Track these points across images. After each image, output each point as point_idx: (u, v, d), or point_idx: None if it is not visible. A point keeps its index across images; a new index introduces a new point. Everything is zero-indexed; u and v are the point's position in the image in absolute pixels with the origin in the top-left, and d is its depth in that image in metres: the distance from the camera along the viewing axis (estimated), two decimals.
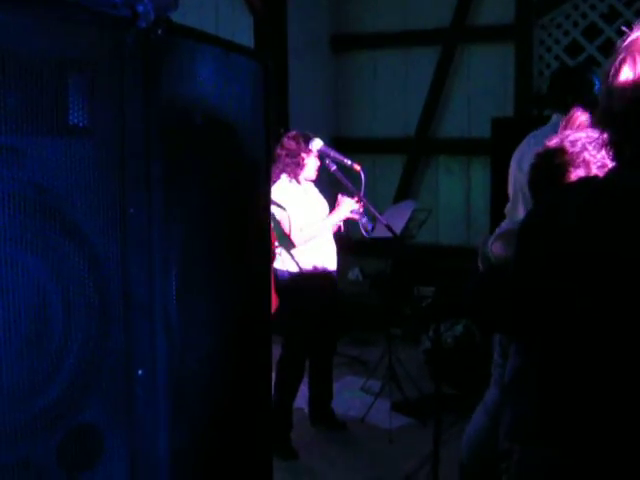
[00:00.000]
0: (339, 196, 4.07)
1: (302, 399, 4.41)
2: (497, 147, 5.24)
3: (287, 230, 3.98)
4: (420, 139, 6.83)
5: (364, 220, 4.06)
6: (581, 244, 1.25)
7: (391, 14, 6.85)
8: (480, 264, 2.23)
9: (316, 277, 4.08)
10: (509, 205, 3.15)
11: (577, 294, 1.26)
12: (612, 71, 1.18)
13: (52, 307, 1.26)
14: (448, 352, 4.99)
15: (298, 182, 4.07)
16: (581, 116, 2.24)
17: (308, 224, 3.99)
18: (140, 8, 1.37)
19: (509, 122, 5.61)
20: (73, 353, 1.29)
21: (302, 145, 3.98)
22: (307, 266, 4.06)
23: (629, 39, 1.17)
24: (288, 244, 4.02)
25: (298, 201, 4.03)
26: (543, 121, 3.38)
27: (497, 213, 5.27)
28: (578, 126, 2.18)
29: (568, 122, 2.27)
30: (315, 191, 4.22)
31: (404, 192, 6.85)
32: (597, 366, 1.27)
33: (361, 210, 4.05)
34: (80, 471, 1.34)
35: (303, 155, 3.98)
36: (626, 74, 1.16)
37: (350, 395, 4.92)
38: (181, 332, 1.56)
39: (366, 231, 4.06)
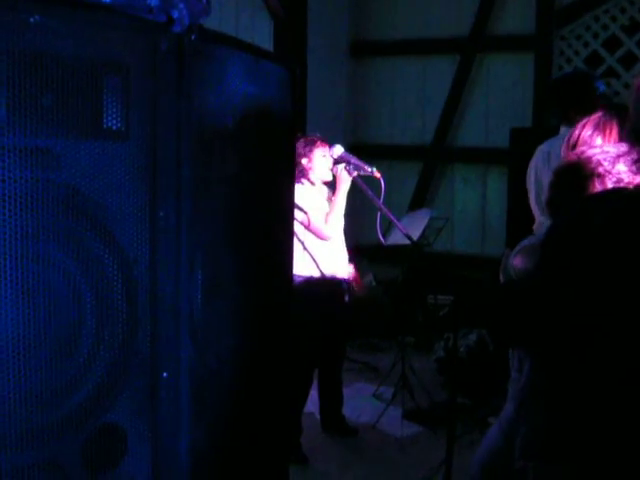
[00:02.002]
0: (333, 169, 3.96)
1: (313, 404, 4.41)
2: (515, 157, 5.23)
3: (306, 230, 3.93)
4: (437, 147, 6.83)
5: (364, 170, 3.93)
6: (610, 245, 1.28)
7: (411, 21, 6.86)
8: (501, 278, 2.22)
9: (325, 284, 4.04)
10: (537, 222, 3.05)
11: (605, 298, 1.28)
12: None
13: (85, 307, 1.27)
14: (461, 361, 4.98)
15: (311, 183, 4.02)
16: (583, 133, 2.10)
17: (328, 214, 3.94)
18: (175, 14, 1.38)
19: (528, 132, 5.59)
20: (102, 355, 1.30)
21: (301, 150, 3.92)
22: (316, 273, 4.01)
23: None
24: (298, 247, 3.96)
25: (312, 201, 3.97)
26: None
27: (513, 223, 5.28)
28: (583, 143, 2.05)
29: (569, 141, 2.10)
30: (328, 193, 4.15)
31: (420, 200, 6.84)
32: (621, 381, 1.27)
33: (351, 161, 3.96)
34: (104, 471, 1.35)
35: (303, 161, 3.93)
36: None
37: (362, 401, 4.91)
38: (204, 335, 1.57)
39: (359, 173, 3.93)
